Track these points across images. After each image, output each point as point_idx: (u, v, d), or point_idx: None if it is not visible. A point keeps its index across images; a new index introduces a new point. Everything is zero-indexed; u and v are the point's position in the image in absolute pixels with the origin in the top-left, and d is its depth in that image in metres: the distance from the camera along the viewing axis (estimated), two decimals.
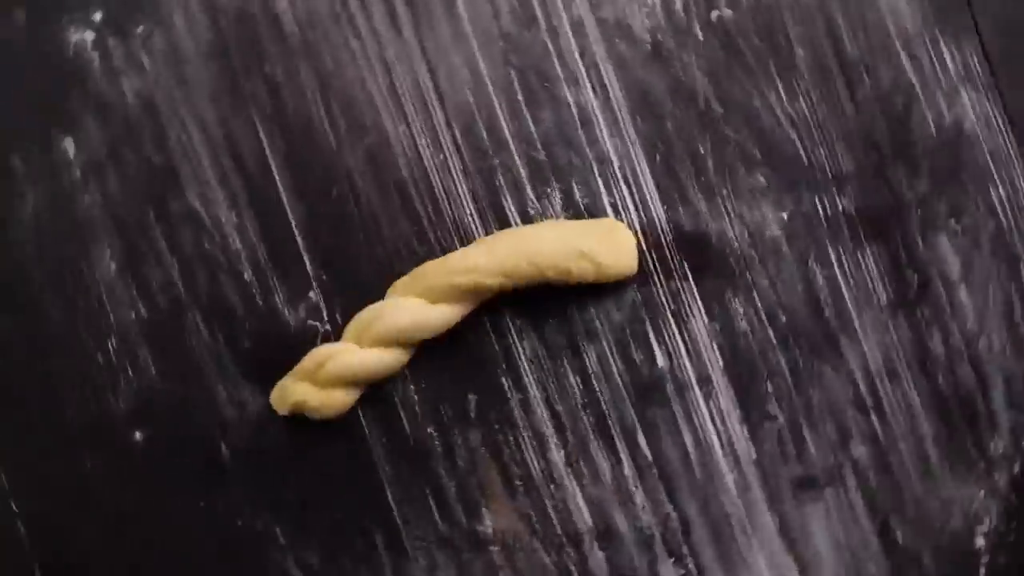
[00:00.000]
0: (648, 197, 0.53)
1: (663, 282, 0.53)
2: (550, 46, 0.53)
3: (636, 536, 0.54)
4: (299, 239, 0.53)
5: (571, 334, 0.53)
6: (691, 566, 0.53)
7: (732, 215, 0.53)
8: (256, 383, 0.54)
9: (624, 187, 0.53)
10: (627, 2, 0.53)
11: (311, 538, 0.54)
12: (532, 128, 0.53)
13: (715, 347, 0.53)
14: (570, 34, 0.53)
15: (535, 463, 0.54)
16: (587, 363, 0.53)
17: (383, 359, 0.51)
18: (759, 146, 0.53)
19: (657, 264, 0.53)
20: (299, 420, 0.53)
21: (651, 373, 0.53)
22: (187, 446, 0.54)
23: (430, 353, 0.53)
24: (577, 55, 0.53)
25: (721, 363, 0.53)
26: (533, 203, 0.53)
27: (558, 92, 0.53)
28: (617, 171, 0.53)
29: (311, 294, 0.54)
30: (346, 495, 0.54)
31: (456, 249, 0.53)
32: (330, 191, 0.53)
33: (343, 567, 0.54)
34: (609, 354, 0.53)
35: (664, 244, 0.53)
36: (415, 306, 0.51)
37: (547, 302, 0.53)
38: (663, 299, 0.53)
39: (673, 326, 0.53)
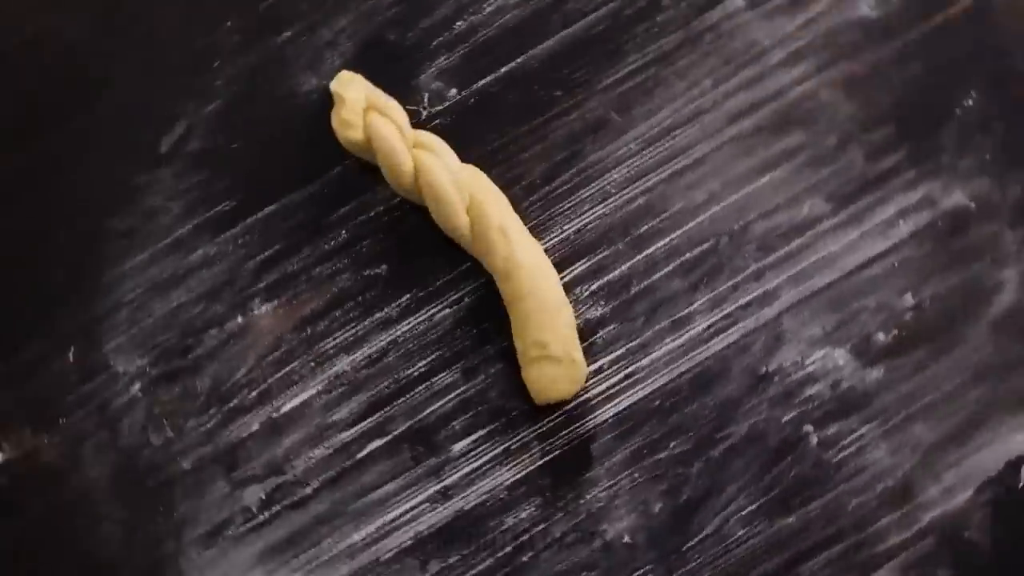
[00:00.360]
0: (615, 407, 0.52)
1: (533, 434, 0.52)
2: (742, 274, 0.53)
3: (274, 462, 0.53)
4: (503, 70, 0.54)
5: (468, 356, 0.53)
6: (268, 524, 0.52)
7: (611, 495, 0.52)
8: (348, 67, 0.55)
9: (619, 380, 0.52)
10: (819, 343, 0.52)
11: (185, 184, 0.55)
12: (659, 273, 0.53)
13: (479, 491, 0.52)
14: (763, 289, 0.52)
15: (332, 343, 0.53)
16: (437, 378, 0.53)
17: (401, 173, 0.51)
18: (683, 510, 0.51)
19: (548, 425, 0.52)
20: (326, 111, 0.54)
21: (440, 441, 0.52)
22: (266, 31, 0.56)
23: (421, 223, 0.53)
24: (747, 300, 0.53)
25: (466, 508, 0.52)
26: (584, 291, 0.53)
27: (698, 291, 0.53)
28: (634, 367, 0.52)
29: (452, 92, 0.54)
30: (248, 181, 0.55)
31: (526, 225, 0.52)
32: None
33: (172, 224, 0.55)
34: (456, 391, 0.53)
35: (569, 428, 0.52)
36: (459, 191, 0.51)
37: (500, 329, 0.52)
38: (518, 437, 0.52)
39: (497, 451, 0.52)
